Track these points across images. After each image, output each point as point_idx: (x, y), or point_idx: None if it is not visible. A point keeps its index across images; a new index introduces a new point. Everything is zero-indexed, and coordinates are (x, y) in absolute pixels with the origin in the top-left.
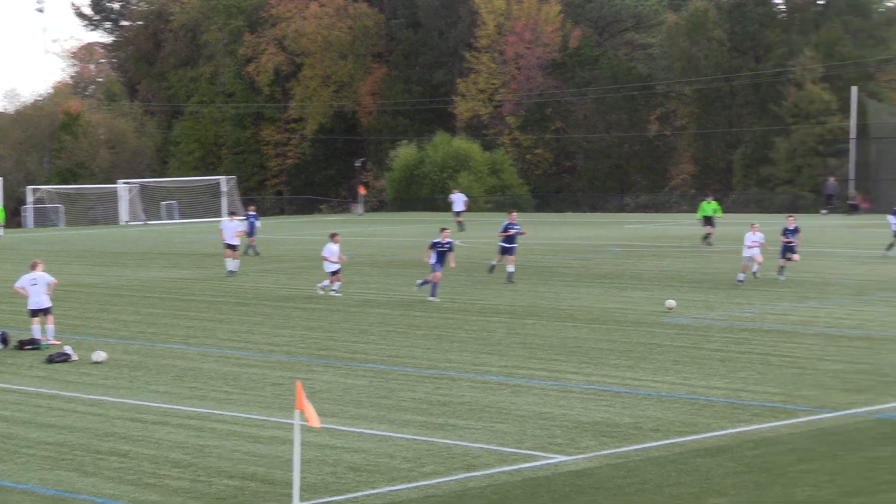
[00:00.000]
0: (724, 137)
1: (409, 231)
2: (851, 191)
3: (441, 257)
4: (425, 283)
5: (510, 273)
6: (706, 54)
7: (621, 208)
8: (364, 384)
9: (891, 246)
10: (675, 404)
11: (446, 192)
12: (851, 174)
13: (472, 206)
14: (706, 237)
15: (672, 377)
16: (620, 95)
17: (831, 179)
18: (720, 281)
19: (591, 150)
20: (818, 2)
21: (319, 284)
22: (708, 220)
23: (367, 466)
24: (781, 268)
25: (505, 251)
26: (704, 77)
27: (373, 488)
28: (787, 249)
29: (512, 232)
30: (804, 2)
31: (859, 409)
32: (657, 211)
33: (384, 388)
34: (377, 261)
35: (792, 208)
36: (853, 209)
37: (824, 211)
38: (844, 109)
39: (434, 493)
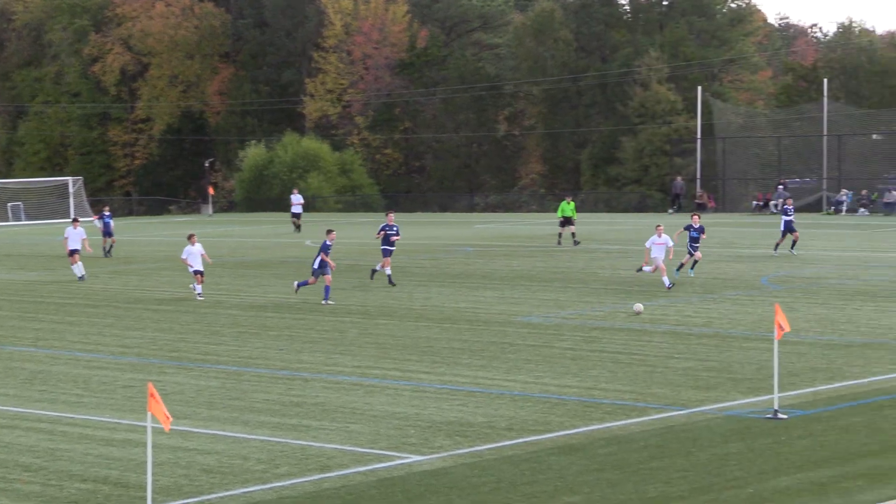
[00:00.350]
0: (572, 137)
1: (260, 232)
2: (698, 190)
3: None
4: (304, 284)
5: (388, 275)
6: (553, 54)
7: (471, 208)
8: (216, 386)
9: (777, 245)
10: (528, 403)
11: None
12: (698, 173)
13: (322, 207)
14: (572, 236)
15: (524, 376)
16: (468, 95)
17: (678, 179)
18: (570, 279)
19: (441, 150)
20: (663, 2)
21: (192, 286)
22: (567, 220)
23: (220, 468)
24: (682, 265)
25: (385, 254)
26: (552, 77)
27: (226, 490)
28: (693, 249)
29: (390, 233)
30: (648, 2)
31: (709, 407)
32: (507, 210)
33: (237, 390)
34: (227, 262)
35: (640, 207)
36: (700, 208)
37: (671, 210)
38: (690, 109)
39: (288, 494)
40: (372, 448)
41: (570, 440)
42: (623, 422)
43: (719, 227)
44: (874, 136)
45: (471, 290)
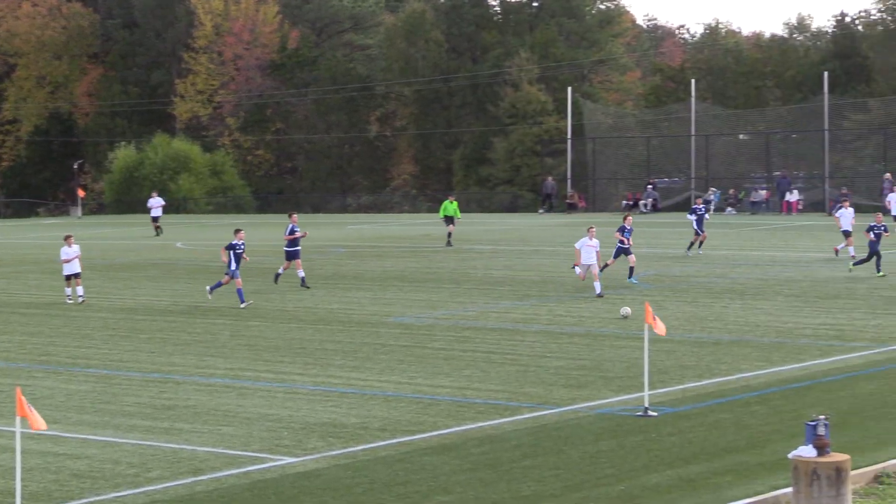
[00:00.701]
0: (444, 138)
1: (130, 234)
2: (569, 190)
3: (238, 260)
4: (218, 286)
5: (302, 278)
6: (424, 55)
7: (343, 209)
8: (87, 389)
9: (691, 245)
10: (402, 403)
11: (167, 193)
12: (568, 173)
13: (193, 209)
14: (448, 236)
15: (398, 377)
16: (340, 96)
17: (549, 179)
18: (442, 280)
19: (312, 151)
20: (532, 4)
21: (71, 292)
22: (450, 220)
23: (91, 473)
24: (607, 265)
25: (291, 256)
26: (423, 78)
27: (97, 494)
28: (622, 251)
29: (297, 235)
30: (518, 4)
31: (581, 405)
32: (379, 211)
33: (107, 394)
34: (97, 264)
35: (512, 208)
36: (571, 208)
37: (542, 210)
38: (560, 110)
39: (160, 498)
40: (245, 450)
41: (444, 440)
42: (496, 421)
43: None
44: (741, 137)
45: (343, 291)
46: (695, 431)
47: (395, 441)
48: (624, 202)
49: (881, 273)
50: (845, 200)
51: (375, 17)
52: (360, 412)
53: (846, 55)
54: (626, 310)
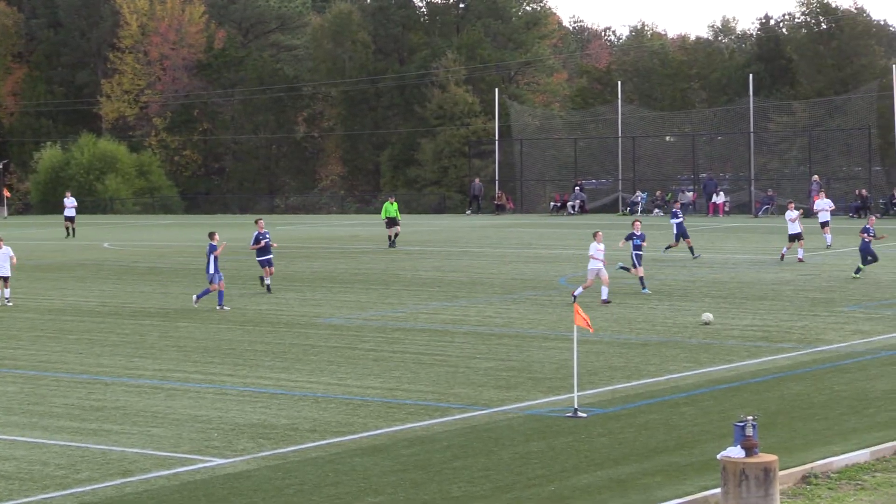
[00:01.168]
0: (371, 139)
1: (57, 234)
2: (497, 191)
3: (217, 263)
4: (206, 293)
5: (267, 285)
6: (351, 56)
7: (272, 209)
8: (14, 391)
9: (668, 247)
10: (332, 405)
11: (94, 194)
12: (496, 175)
13: (119, 209)
14: (393, 237)
15: (327, 378)
16: (267, 97)
17: (476, 180)
18: (372, 281)
19: (240, 152)
20: (459, 5)
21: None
22: (392, 221)
23: (19, 474)
24: (641, 277)
25: (263, 263)
26: (350, 79)
27: (26, 496)
28: (638, 257)
29: (261, 244)
30: (445, 5)
31: (511, 406)
32: (307, 212)
33: (35, 395)
34: (24, 265)
35: (440, 209)
36: (499, 209)
37: (469, 211)
38: (488, 111)
39: (89, 499)
40: (174, 452)
41: (374, 441)
42: (426, 422)
43: (518, 227)
44: (668, 138)
45: (272, 293)
46: (624, 432)
47: (325, 442)
48: (552, 204)
49: (857, 276)
50: (791, 203)
51: (302, 17)
52: (289, 413)
53: (771, 58)
54: (708, 315)
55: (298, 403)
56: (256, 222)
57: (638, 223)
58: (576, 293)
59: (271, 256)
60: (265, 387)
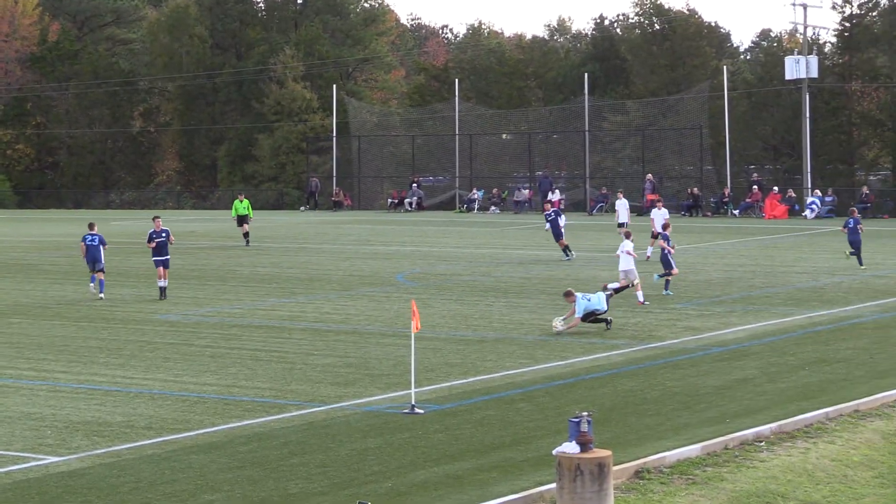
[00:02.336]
0: (209, 134)
1: None
2: (335, 187)
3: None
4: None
5: (162, 288)
6: (188, 51)
7: (107, 205)
8: None
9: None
10: (168, 401)
11: None
12: (334, 171)
13: None
14: (245, 235)
15: (163, 374)
16: (103, 91)
17: (313, 178)
18: (208, 277)
19: (74, 146)
20: (297, 1)
21: None
22: (242, 219)
23: None
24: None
25: (158, 264)
26: (187, 74)
27: None
28: (666, 261)
29: (155, 242)
30: (283, 1)
31: (348, 402)
32: (143, 207)
33: None
34: None
35: (277, 205)
36: (337, 206)
37: (304, 208)
38: (326, 107)
39: None
40: (7, 450)
41: (211, 438)
42: (263, 419)
43: (355, 224)
44: (504, 136)
45: (108, 288)
46: (461, 428)
47: (161, 439)
48: (389, 200)
49: (861, 265)
50: (659, 202)
51: (138, 11)
52: (125, 410)
53: (605, 58)
54: (558, 323)
55: (134, 400)
56: (154, 220)
57: (669, 227)
58: (610, 286)
59: (168, 258)
60: (100, 384)
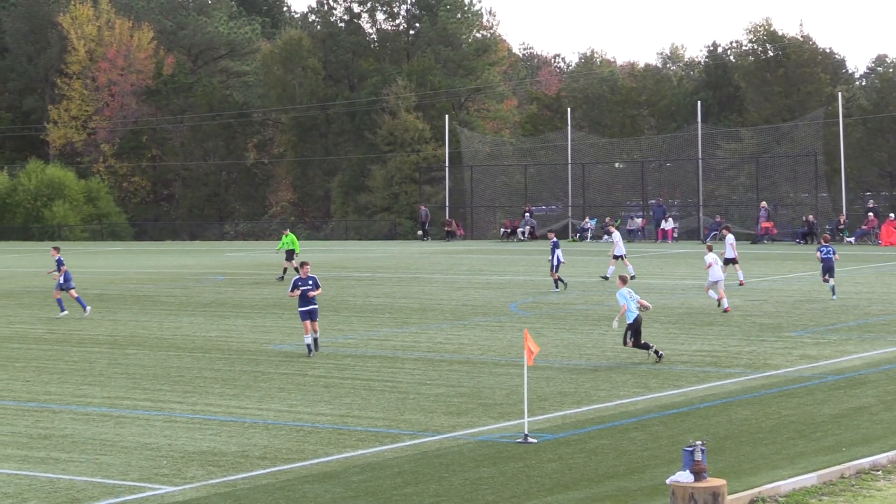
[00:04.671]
0: (322, 165)
1: (3, 261)
2: (447, 217)
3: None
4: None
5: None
6: (301, 82)
7: (221, 236)
8: None
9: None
10: (282, 431)
11: (41, 220)
12: (446, 201)
13: (68, 236)
14: (285, 271)
15: (278, 404)
16: (217, 123)
17: (423, 207)
18: (322, 308)
19: (189, 178)
20: (409, 32)
21: None
22: (290, 254)
23: None
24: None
25: (305, 316)
26: (300, 105)
27: None
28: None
29: (303, 290)
30: (395, 32)
31: (461, 432)
32: (257, 238)
33: None
34: None
35: (390, 235)
36: (449, 236)
37: (423, 235)
38: (438, 137)
39: None
40: (123, 479)
41: (324, 468)
42: (376, 448)
43: (468, 254)
44: (616, 165)
45: (222, 319)
46: (574, 458)
47: (275, 469)
48: (502, 230)
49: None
50: (726, 227)
51: (252, 44)
52: (239, 440)
53: (718, 85)
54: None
55: (248, 430)
56: (301, 266)
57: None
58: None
59: (316, 307)
60: (215, 414)
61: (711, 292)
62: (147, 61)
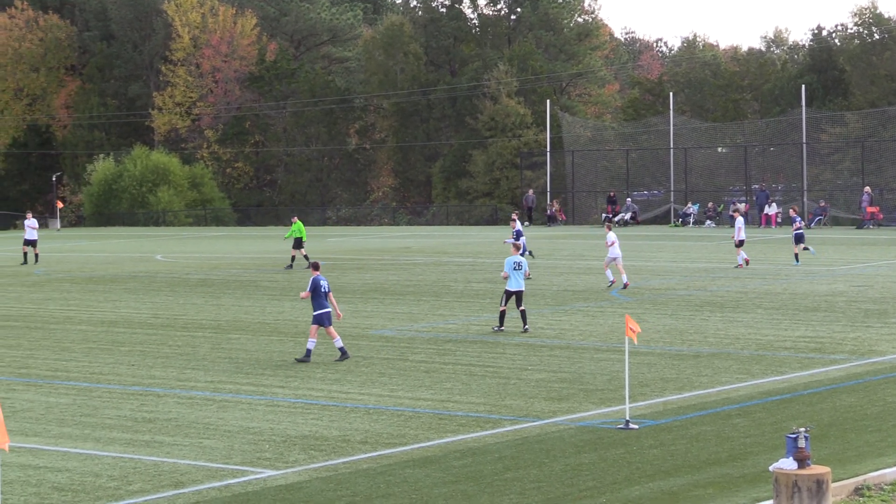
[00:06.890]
0: (423, 150)
1: (109, 246)
2: (549, 202)
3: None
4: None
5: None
6: (403, 68)
7: (323, 221)
8: (67, 402)
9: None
10: (383, 416)
11: (146, 206)
12: (548, 186)
13: (172, 221)
14: (293, 259)
15: (379, 389)
16: (319, 109)
17: (530, 192)
18: (423, 293)
19: (292, 164)
20: (511, 17)
21: None
22: (299, 242)
23: (72, 486)
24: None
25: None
26: (402, 91)
27: None
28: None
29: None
30: (496, 17)
31: (562, 418)
32: (359, 224)
33: (88, 406)
34: (76, 276)
35: (492, 220)
36: (551, 220)
37: (526, 223)
38: (539, 122)
39: None
40: (226, 463)
41: (425, 452)
42: (477, 434)
43: (570, 239)
44: (719, 150)
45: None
46: (676, 444)
47: (376, 454)
48: (604, 215)
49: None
50: (736, 212)
51: (353, 29)
52: (341, 425)
53: (823, 69)
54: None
55: (350, 415)
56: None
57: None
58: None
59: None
60: (316, 398)
61: (609, 271)
62: (250, 48)
